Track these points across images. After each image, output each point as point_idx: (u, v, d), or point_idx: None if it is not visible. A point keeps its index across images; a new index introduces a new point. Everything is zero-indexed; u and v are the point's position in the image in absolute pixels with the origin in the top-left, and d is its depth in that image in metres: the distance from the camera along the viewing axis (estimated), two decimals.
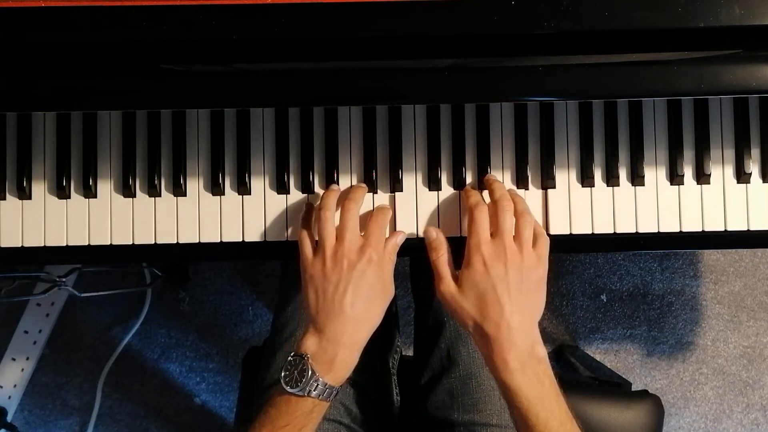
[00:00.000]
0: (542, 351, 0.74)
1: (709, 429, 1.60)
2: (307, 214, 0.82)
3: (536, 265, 0.75)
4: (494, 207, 0.77)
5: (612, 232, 0.83)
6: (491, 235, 0.76)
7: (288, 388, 0.72)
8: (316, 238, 0.78)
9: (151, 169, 0.83)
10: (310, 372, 0.72)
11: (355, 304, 0.75)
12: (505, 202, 0.77)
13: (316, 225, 0.79)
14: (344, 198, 0.79)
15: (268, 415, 0.74)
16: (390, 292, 0.78)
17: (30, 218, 0.83)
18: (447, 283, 0.76)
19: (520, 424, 0.73)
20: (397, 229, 0.83)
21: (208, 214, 0.83)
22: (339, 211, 0.79)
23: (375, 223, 0.79)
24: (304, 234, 0.79)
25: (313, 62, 0.71)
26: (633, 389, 1.19)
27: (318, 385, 0.72)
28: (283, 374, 0.73)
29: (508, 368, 0.72)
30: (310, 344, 0.74)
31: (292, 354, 0.74)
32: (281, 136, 0.83)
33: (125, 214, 0.83)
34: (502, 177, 0.83)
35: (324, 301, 0.75)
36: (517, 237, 0.76)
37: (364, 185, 0.82)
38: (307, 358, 0.73)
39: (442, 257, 0.78)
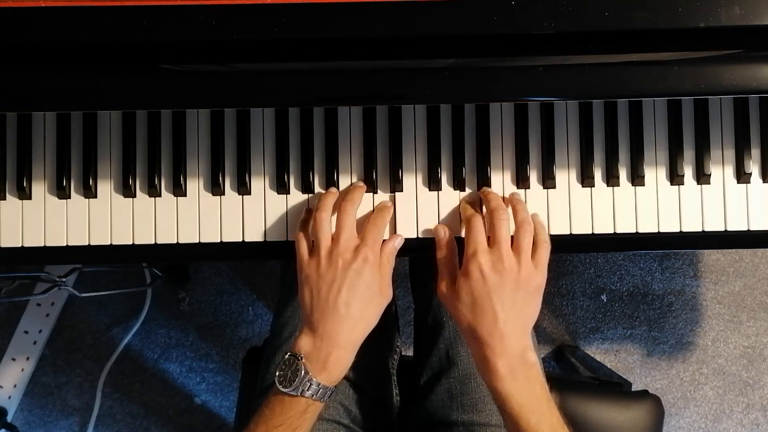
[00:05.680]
0: (533, 357, 0.75)
1: (709, 429, 1.60)
2: (306, 219, 0.82)
3: (533, 274, 0.76)
4: (490, 217, 0.78)
5: (612, 232, 0.83)
6: (489, 244, 0.76)
7: (281, 388, 0.73)
8: (313, 240, 0.78)
9: (151, 169, 0.83)
10: (303, 372, 0.73)
11: (350, 303, 0.75)
12: (500, 211, 0.77)
13: (312, 226, 0.78)
14: (341, 199, 0.80)
15: (263, 415, 0.74)
16: (387, 294, 0.78)
17: (30, 218, 0.83)
18: (447, 284, 0.77)
19: (512, 431, 0.73)
20: (398, 229, 0.82)
21: (208, 214, 0.83)
22: (336, 212, 0.79)
23: (372, 224, 0.78)
24: (301, 235, 0.79)
25: (313, 62, 0.70)
26: (633, 389, 1.19)
27: (311, 384, 0.73)
28: (277, 374, 0.74)
29: (498, 374, 0.72)
30: (303, 344, 0.74)
31: (287, 354, 0.75)
32: (281, 136, 0.83)
33: (125, 214, 0.83)
34: (502, 177, 0.83)
35: (318, 300, 0.75)
36: (516, 246, 0.76)
37: (362, 185, 0.82)
38: (301, 357, 0.73)
39: (447, 256, 0.79)
